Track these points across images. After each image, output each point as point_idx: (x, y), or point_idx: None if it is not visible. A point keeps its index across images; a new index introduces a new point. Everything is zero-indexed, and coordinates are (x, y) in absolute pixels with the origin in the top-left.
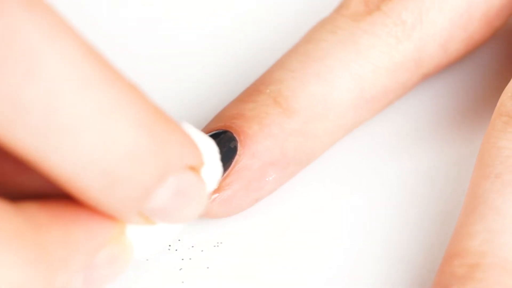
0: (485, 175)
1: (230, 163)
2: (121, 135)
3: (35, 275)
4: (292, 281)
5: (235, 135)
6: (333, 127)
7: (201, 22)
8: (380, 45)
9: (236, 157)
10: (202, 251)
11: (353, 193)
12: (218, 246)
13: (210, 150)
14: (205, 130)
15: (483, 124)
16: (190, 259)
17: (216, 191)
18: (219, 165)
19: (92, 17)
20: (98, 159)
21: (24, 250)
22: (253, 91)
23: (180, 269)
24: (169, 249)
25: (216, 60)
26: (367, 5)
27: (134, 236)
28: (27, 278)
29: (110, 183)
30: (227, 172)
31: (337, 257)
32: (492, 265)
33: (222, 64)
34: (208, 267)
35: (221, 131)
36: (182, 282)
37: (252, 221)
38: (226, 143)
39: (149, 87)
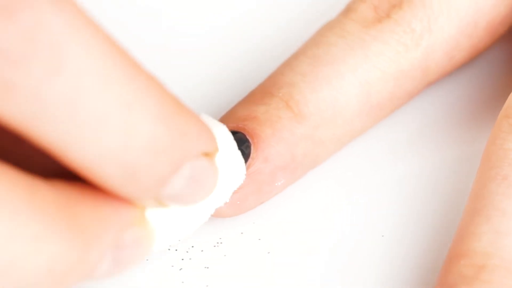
0: (491, 177)
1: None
2: (141, 128)
3: (70, 249)
4: (292, 281)
5: (248, 137)
6: (340, 134)
7: (202, 22)
8: (389, 52)
9: (250, 160)
10: (202, 251)
11: (354, 194)
12: (218, 246)
13: (224, 136)
14: None
15: (483, 125)
16: (190, 259)
17: None
18: (235, 149)
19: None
20: (119, 151)
21: (60, 225)
22: (265, 94)
23: (180, 269)
24: (169, 249)
25: (218, 60)
26: (376, 12)
27: (154, 221)
28: (62, 252)
29: (129, 174)
30: None
31: (338, 257)
32: (498, 267)
33: (224, 63)
34: (208, 267)
35: (233, 132)
36: (182, 282)
37: (252, 221)
38: (238, 144)
39: None
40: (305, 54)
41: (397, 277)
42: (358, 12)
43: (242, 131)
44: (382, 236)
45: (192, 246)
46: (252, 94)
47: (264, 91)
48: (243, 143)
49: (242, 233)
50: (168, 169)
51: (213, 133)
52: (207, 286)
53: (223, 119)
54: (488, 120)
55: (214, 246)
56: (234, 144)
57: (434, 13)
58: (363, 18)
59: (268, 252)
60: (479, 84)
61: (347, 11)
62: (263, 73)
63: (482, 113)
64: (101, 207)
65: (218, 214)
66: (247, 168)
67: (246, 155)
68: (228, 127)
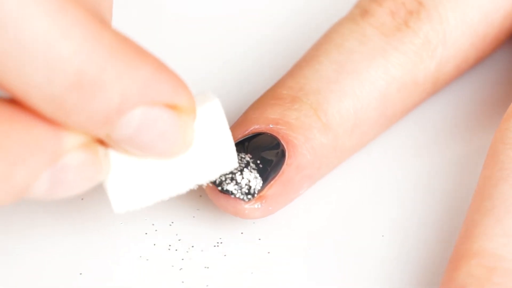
0: (502, 178)
1: (277, 170)
2: (65, 64)
3: None
4: (292, 281)
5: (282, 142)
6: (356, 145)
7: (205, 20)
8: (407, 64)
9: (284, 167)
10: (202, 251)
11: (354, 194)
12: (218, 246)
13: (214, 109)
14: (243, 131)
15: (484, 125)
16: (190, 259)
17: (260, 199)
18: (225, 128)
19: None
20: (42, 85)
21: None
22: (293, 98)
23: (180, 269)
24: (169, 249)
25: (221, 58)
26: (394, 18)
27: (116, 163)
28: None
29: (57, 106)
30: (274, 181)
31: (338, 257)
32: (509, 271)
33: (227, 61)
34: (208, 267)
35: (265, 133)
36: (182, 282)
37: (252, 221)
38: (273, 148)
39: None
40: (328, 58)
41: (397, 277)
42: (377, 17)
43: (276, 135)
44: (382, 236)
45: (192, 246)
46: (278, 96)
47: (291, 95)
48: (277, 147)
49: (242, 233)
50: (106, 108)
51: (189, 91)
52: (207, 286)
53: (249, 117)
54: (489, 119)
55: (214, 246)
56: (224, 122)
57: (450, 25)
58: (381, 24)
59: (268, 252)
60: (481, 85)
61: (364, 13)
62: (264, 71)
63: (483, 113)
64: (32, 129)
65: (247, 216)
66: (281, 175)
67: (280, 161)
68: (261, 128)
